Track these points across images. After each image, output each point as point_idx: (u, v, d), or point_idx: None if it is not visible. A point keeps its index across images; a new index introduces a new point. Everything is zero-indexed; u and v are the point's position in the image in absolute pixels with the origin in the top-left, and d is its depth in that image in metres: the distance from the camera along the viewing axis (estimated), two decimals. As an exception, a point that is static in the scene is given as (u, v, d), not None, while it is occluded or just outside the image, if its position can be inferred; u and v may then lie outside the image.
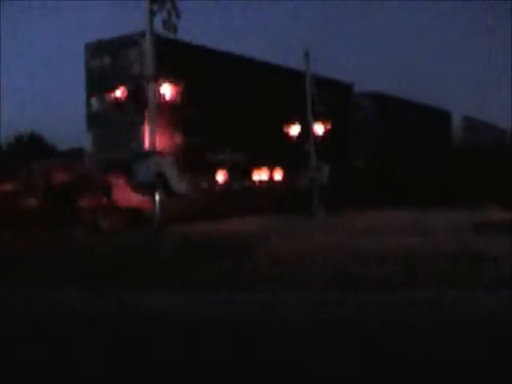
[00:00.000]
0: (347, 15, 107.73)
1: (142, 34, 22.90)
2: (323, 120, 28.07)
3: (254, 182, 27.77)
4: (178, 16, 15.15)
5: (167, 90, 17.16)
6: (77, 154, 27.36)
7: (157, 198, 14.81)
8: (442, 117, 46.51)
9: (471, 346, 6.71)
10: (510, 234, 15.57)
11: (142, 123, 18.47)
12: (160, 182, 14.83)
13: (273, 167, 28.67)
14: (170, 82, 17.32)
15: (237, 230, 18.85)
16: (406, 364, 6.19)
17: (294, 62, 29.85)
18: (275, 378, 5.93)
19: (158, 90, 16.22)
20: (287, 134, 28.03)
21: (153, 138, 15.05)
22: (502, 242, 14.43)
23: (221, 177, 25.64)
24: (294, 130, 27.73)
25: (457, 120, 48.52)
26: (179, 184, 15.51)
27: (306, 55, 27.00)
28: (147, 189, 14.95)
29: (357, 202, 27.08)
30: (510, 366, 6.09)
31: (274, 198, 27.23)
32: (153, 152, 15.05)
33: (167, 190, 15.08)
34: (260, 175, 28.08)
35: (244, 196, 26.22)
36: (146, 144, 15.32)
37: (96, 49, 25.43)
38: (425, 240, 15.32)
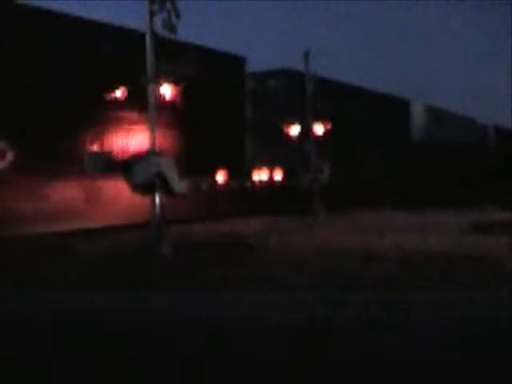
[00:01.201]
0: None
1: None
2: (323, 120, 27.94)
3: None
4: (178, 16, 15.10)
5: (167, 90, 17.08)
6: None
7: (157, 198, 14.76)
8: (396, 106, 38.11)
9: (471, 347, 6.70)
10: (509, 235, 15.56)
11: (140, 123, 18.24)
12: (160, 182, 14.78)
13: (273, 167, 28.52)
14: (170, 82, 17.21)
15: (237, 230, 18.86)
16: (405, 364, 6.18)
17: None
18: (274, 379, 5.93)
19: (158, 90, 16.18)
20: (287, 134, 27.88)
21: (153, 138, 14.99)
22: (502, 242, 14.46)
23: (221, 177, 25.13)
24: (294, 130, 27.59)
25: (417, 110, 40.84)
26: (179, 184, 15.45)
27: (306, 55, 26.90)
28: (147, 189, 14.88)
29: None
30: (509, 366, 6.07)
31: (272, 198, 27.12)
32: (152, 152, 14.99)
33: (167, 191, 15.02)
34: (260, 175, 27.96)
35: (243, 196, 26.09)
36: (146, 144, 15.27)
37: None
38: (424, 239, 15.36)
